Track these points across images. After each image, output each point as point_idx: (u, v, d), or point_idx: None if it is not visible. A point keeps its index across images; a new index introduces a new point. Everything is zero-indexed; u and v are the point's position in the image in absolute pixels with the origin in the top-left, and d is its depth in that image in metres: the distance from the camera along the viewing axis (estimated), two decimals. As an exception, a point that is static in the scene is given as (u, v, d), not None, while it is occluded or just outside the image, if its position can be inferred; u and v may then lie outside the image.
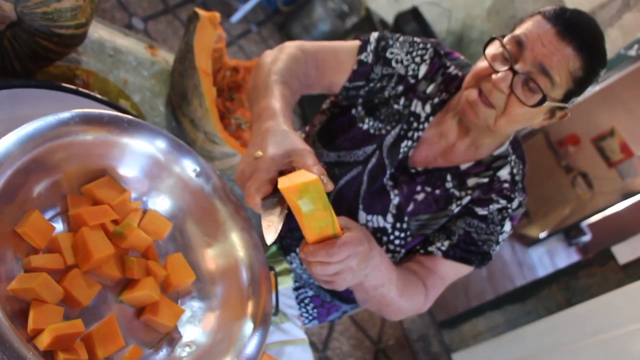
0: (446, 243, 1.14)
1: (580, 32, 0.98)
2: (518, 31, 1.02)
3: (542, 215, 5.02)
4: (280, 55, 1.07)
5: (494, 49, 1.04)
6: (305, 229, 0.77)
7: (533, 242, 5.28)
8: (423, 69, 1.19)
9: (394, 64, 1.19)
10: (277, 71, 1.02)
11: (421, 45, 1.20)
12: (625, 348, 2.46)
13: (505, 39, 1.03)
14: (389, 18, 3.58)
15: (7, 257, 0.71)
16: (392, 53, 1.19)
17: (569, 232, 5.58)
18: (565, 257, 5.74)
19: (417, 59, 1.19)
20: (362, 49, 1.18)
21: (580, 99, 1.05)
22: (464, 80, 1.11)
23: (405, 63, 1.19)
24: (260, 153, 0.80)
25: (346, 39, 3.24)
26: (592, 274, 2.76)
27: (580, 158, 4.87)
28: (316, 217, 0.75)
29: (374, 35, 1.20)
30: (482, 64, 1.05)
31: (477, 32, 3.34)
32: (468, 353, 3.12)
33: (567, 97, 1.02)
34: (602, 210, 4.79)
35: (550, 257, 5.51)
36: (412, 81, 1.19)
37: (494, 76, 1.00)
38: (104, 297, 0.80)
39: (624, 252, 2.67)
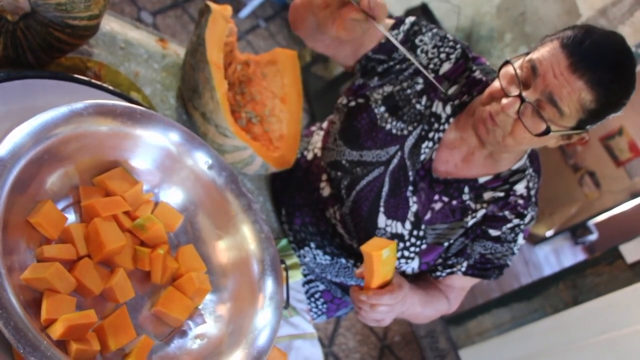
0: (465, 264, 1.20)
1: (595, 66, 0.93)
2: (535, 55, 0.99)
3: (549, 213, 5.00)
4: None
5: (509, 69, 1.02)
6: (374, 274, 0.96)
7: (539, 240, 5.27)
8: (446, 67, 1.17)
9: (418, 52, 1.18)
10: None
11: (451, 44, 1.19)
12: (633, 347, 2.45)
13: (525, 60, 1.01)
14: (398, 14, 3.57)
15: (20, 247, 0.71)
16: (421, 41, 1.18)
17: (576, 231, 5.56)
18: (571, 255, 5.72)
19: (443, 56, 1.18)
20: (395, 27, 1.18)
21: (598, 124, 1.02)
22: (484, 91, 1.10)
23: (430, 56, 1.18)
24: None
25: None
26: (600, 272, 2.75)
27: (587, 157, 4.83)
28: (388, 262, 0.96)
29: (410, 19, 1.20)
30: (497, 83, 1.04)
31: (487, 29, 3.33)
32: (475, 350, 3.12)
33: (581, 124, 1.00)
34: (610, 209, 4.76)
35: (556, 256, 5.49)
36: (432, 76, 1.18)
37: (503, 100, 1.00)
38: (116, 288, 0.80)
39: (632, 251, 2.66)
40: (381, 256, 0.93)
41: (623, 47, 0.97)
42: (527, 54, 1.02)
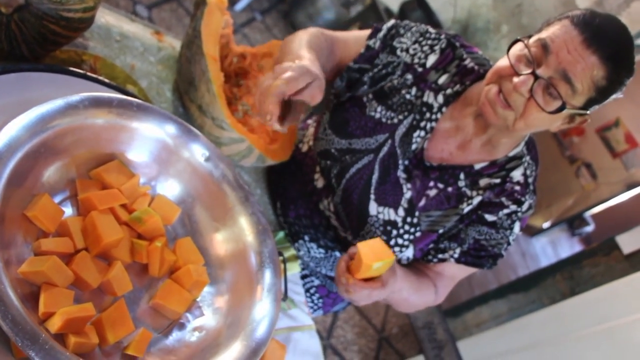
0: (458, 250, 1.17)
1: (607, 42, 0.96)
2: (544, 34, 1.00)
3: (546, 205, 5.01)
4: (305, 33, 1.15)
5: (518, 49, 1.02)
6: (360, 271, 0.94)
7: (536, 232, 5.28)
8: (432, 59, 1.19)
9: (399, 52, 1.20)
10: (305, 41, 1.10)
11: (433, 36, 1.21)
12: (629, 337, 2.47)
13: (531, 41, 1.01)
14: (394, 6, 3.56)
15: (17, 240, 0.71)
16: (399, 42, 1.21)
17: (573, 223, 5.58)
18: (568, 247, 5.74)
19: (426, 48, 1.19)
20: (372, 35, 1.22)
21: (600, 105, 1.04)
22: (484, 76, 1.11)
23: (412, 52, 1.20)
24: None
25: (350, 28, 3.27)
26: (596, 263, 2.76)
27: (584, 148, 4.84)
28: (379, 270, 0.94)
29: (388, 24, 1.23)
30: (505, 61, 1.03)
31: (483, 21, 3.32)
32: (473, 341, 3.13)
33: (588, 104, 1.01)
34: (606, 200, 4.77)
35: (553, 247, 5.51)
36: (420, 70, 1.19)
37: (515, 79, 0.99)
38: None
39: (628, 242, 2.66)
40: (371, 267, 0.91)
41: (624, 27, 1.00)
42: (530, 36, 1.03)
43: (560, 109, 0.98)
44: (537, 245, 5.32)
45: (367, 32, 1.24)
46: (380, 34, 1.22)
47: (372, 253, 0.90)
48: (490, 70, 1.07)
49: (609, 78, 0.97)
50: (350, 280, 0.96)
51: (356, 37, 1.25)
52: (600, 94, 1.00)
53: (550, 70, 0.98)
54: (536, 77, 0.98)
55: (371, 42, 1.22)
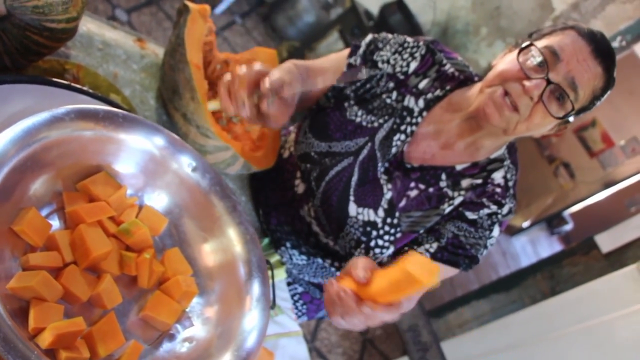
0: (435, 245, 1.15)
1: (609, 54, 1.02)
2: (549, 42, 1.03)
3: (525, 204, 5.07)
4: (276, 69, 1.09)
5: (534, 52, 1.03)
6: (400, 295, 0.77)
7: (516, 231, 5.35)
8: (413, 65, 1.20)
9: (380, 64, 1.21)
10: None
11: (412, 44, 1.22)
12: (609, 335, 2.51)
13: (542, 47, 1.03)
14: (374, 9, 3.58)
15: (4, 255, 0.70)
16: (379, 55, 1.22)
17: (552, 222, 5.65)
18: (547, 246, 5.81)
19: (406, 55, 1.20)
20: (352, 53, 1.24)
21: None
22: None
23: (392, 62, 1.21)
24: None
25: (330, 31, 3.27)
26: (576, 262, 2.80)
27: (562, 148, 4.92)
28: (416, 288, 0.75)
29: (366, 40, 1.24)
30: (510, 65, 1.05)
31: (462, 24, 3.36)
32: (456, 341, 3.16)
33: (579, 111, 1.05)
34: (584, 199, 4.85)
35: (533, 246, 5.58)
36: (402, 77, 1.20)
37: (526, 83, 1.01)
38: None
39: (606, 241, 2.71)
40: (425, 286, 0.73)
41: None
42: (530, 43, 1.04)
43: (568, 115, 1.02)
44: (517, 244, 5.39)
45: (345, 52, 1.25)
46: (360, 51, 1.23)
47: (423, 269, 0.74)
48: (493, 73, 1.07)
49: (603, 88, 1.03)
50: (372, 305, 0.81)
51: (333, 60, 1.27)
52: (591, 103, 1.05)
53: (559, 77, 1.00)
54: (549, 82, 1.00)
55: (352, 60, 1.23)
